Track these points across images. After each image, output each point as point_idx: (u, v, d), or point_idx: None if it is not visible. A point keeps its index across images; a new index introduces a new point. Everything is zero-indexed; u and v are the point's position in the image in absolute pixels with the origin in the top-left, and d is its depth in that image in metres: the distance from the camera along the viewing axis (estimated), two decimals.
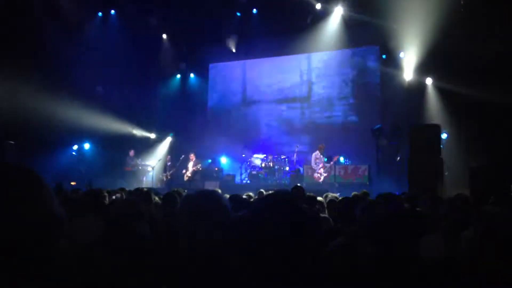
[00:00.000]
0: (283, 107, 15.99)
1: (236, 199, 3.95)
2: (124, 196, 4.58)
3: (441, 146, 9.69)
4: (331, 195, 6.02)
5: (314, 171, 12.44)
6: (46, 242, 0.92)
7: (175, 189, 4.37)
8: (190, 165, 13.48)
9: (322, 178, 12.20)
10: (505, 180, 8.02)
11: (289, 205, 1.39)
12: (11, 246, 0.86)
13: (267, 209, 1.38)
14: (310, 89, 15.68)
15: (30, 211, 0.90)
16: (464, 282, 2.27)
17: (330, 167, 12.27)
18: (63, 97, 12.67)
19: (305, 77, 15.78)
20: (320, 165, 12.28)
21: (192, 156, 13.55)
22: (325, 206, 5.37)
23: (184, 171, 13.52)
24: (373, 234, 2.45)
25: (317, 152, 12.43)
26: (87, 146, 14.84)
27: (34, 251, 0.89)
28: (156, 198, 3.92)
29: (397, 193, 7.47)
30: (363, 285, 2.02)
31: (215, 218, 1.84)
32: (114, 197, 4.78)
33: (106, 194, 5.77)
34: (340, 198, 5.40)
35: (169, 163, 14.03)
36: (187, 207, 1.89)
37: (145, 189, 4.68)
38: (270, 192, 1.89)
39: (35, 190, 0.93)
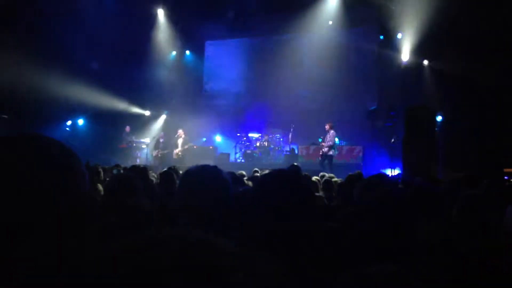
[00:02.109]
0: None
1: (231, 176, 3.96)
2: (121, 172, 4.59)
3: (436, 129, 9.75)
4: (327, 175, 6.05)
5: (308, 151, 12.06)
6: (83, 223, 0.93)
7: (172, 167, 4.38)
8: (180, 142, 13.27)
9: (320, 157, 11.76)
10: (498, 164, 8.12)
11: (291, 178, 1.47)
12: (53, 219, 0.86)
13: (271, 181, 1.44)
14: (305, 69, 15.59)
15: (71, 186, 0.90)
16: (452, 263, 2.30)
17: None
18: (57, 71, 12.50)
19: (301, 57, 15.66)
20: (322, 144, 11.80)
21: (180, 133, 13.32)
22: (320, 185, 5.43)
23: (175, 150, 13.35)
24: (372, 213, 2.47)
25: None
26: (81, 122, 14.74)
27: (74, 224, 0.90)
28: (153, 175, 3.93)
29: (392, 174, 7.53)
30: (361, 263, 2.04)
31: (217, 192, 1.85)
32: (113, 172, 4.79)
33: (101, 170, 5.77)
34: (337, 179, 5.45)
35: (161, 140, 13.83)
36: (189, 182, 1.89)
37: (141, 166, 4.67)
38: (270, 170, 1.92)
39: (77, 169, 0.94)
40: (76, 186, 0.90)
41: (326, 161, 11.47)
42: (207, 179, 1.82)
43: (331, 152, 11.59)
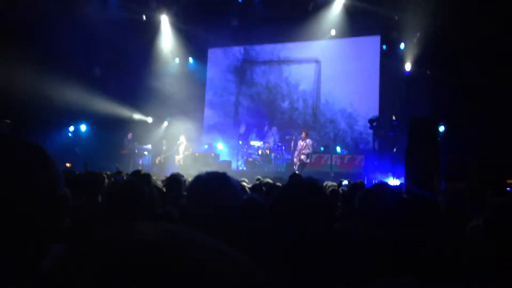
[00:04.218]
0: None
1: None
2: (124, 178, 4.57)
3: (439, 139, 9.72)
4: (330, 183, 6.03)
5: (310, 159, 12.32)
6: (52, 221, 0.90)
7: (176, 173, 4.38)
8: (181, 149, 13.36)
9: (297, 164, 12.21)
10: (500, 174, 8.10)
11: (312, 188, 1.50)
12: (17, 223, 0.84)
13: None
14: (308, 78, 15.62)
15: (38, 188, 0.88)
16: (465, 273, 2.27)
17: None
18: (60, 77, 12.52)
19: (303, 66, 15.71)
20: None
21: (182, 139, 13.41)
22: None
23: (176, 156, 13.44)
24: (373, 221, 2.46)
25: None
26: (83, 127, 14.74)
27: (39, 228, 0.87)
28: (158, 182, 3.92)
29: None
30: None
31: (227, 199, 1.84)
32: (113, 179, 4.77)
33: (105, 176, 5.75)
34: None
35: (164, 147, 13.97)
36: (198, 189, 1.88)
37: (143, 172, 4.66)
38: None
39: (43, 167, 0.90)
40: (44, 188, 0.86)
41: (303, 169, 11.74)
42: (216, 186, 1.82)
43: (308, 160, 11.82)
